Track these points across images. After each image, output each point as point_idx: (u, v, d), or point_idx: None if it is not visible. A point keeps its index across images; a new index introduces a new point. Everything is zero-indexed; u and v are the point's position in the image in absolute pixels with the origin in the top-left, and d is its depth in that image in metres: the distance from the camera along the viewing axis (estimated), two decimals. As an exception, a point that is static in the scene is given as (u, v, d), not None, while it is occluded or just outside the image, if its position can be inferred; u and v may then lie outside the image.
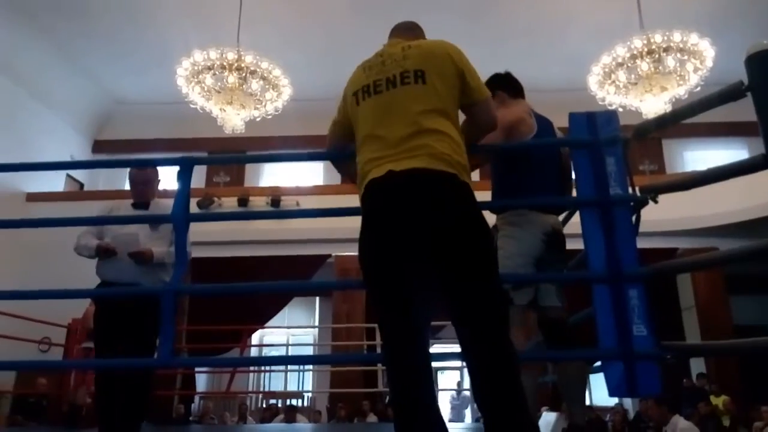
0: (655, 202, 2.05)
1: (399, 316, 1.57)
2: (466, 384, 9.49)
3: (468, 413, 9.14)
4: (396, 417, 1.52)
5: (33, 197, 9.56)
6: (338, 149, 2.03)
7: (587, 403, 10.28)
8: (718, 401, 8.01)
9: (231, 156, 9.35)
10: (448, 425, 1.58)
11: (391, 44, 1.87)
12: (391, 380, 1.58)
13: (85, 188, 11.38)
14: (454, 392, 10.48)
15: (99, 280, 2.89)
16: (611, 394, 2.01)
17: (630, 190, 2.06)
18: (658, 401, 5.63)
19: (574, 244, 2.37)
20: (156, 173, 3.15)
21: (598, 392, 11.33)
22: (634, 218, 2.07)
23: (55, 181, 10.33)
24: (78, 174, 11.35)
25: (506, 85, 2.50)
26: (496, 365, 1.47)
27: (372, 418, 7.84)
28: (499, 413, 1.44)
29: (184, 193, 2.22)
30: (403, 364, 1.55)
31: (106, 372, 2.80)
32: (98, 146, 12.01)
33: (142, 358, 2.70)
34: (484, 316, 1.52)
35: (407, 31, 1.95)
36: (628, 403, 10.20)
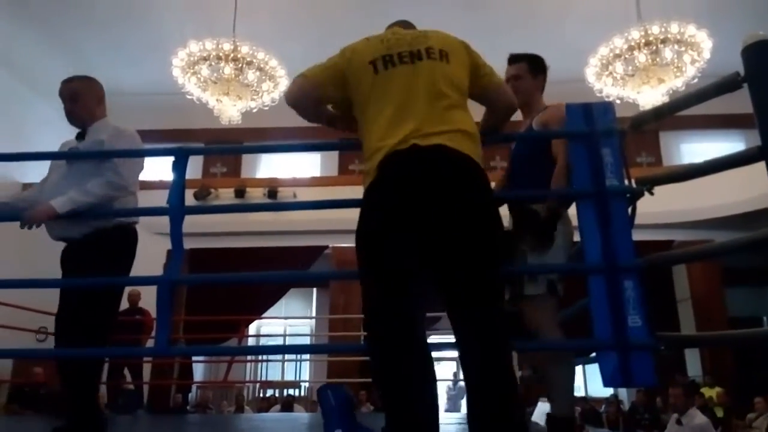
0: (651, 193, 2.05)
1: (400, 298, 1.48)
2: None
3: (464, 403, 9.21)
4: (394, 411, 1.44)
5: (29, 187, 9.53)
6: (316, 93, 1.80)
7: (582, 394, 10.34)
8: (712, 393, 8.07)
9: (226, 146, 9.33)
10: (444, 415, 1.55)
11: (398, 29, 1.87)
12: (385, 372, 1.47)
13: (81, 179, 11.35)
14: (450, 383, 10.52)
15: None
16: (606, 384, 2.02)
17: (626, 181, 2.07)
18: (685, 390, 5.69)
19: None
20: (88, 85, 2.55)
21: (593, 383, 11.41)
22: (630, 210, 2.08)
23: (50, 172, 10.30)
24: (74, 165, 11.29)
25: (545, 78, 2.54)
26: (490, 357, 1.43)
27: (368, 406, 7.88)
28: (491, 405, 1.41)
29: (179, 184, 2.21)
30: (403, 354, 1.45)
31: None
32: (94, 137, 11.95)
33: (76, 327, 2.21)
34: (484, 304, 1.49)
35: (407, 26, 1.97)
36: (623, 395, 10.27)
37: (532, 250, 2.17)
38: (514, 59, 2.47)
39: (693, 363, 9.88)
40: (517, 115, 2.27)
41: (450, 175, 1.53)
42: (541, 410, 3.53)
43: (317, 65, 1.81)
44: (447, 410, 9.72)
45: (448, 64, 1.70)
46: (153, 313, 2.77)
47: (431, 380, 1.49)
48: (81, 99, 2.49)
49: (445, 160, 1.55)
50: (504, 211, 1.94)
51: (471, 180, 1.56)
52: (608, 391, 8.70)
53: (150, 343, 5.93)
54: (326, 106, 1.94)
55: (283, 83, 8.66)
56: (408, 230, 1.50)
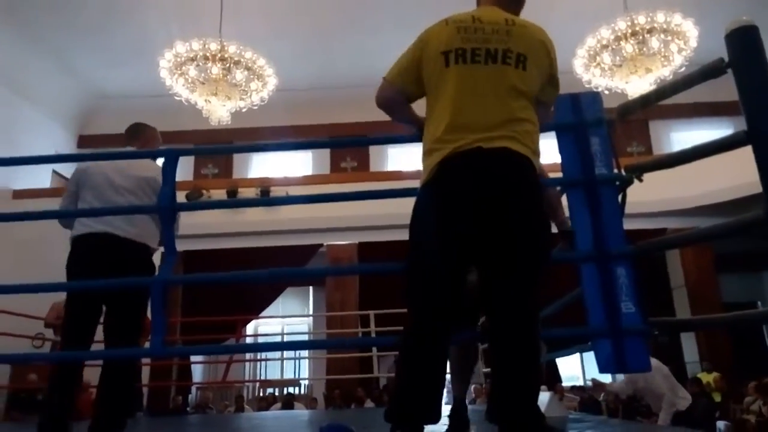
0: (640, 180, 2.06)
1: (441, 295, 1.55)
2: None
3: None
4: (402, 397, 1.51)
5: (20, 194, 9.47)
6: (399, 97, 1.78)
7: (581, 383, 10.40)
8: (709, 378, 8.13)
9: (216, 147, 9.30)
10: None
11: (489, 11, 1.74)
12: (411, 360, 1.54)
13: (73, 184, 11.29)
14: (448, 375, 10.57)
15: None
16: (601, 370, 2.04)
17: (615, 169, 2.08)
18: None
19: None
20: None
21: (592, 372, 11.47)
22: (620, 198, 2.09)
23: (41, 178, 10.23)
24: (64, 170, 11.23)
25: None
26: (523, 347, 1.49)
27: (368, 403, 7.90)
28: (517, 397, 1.47)
29: (169, 185, 2.21)
30: (433, 345, 1.53)
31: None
32: (83, 141, 11.89)
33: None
34: (525, 299, 1.53)
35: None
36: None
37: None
38: None
39: (690, 349, 9.95)
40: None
41: (510, 180, 1.55)
42: (540, 400, 3.54)
43: (396, 65, 1.77)
44: (446, 403, 9.73)
45: (524, 71, 1.64)
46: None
47: (443, 374, 1.58)
48: None
49: (508, 163, 1.56)
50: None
51: (527, 187, 1.58)
52: (608, 379, 8.74)
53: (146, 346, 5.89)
54: (410, 106, 1.87)
55: (272, 82, 8.63)
56: (462, 231, 1.53)
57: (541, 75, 1.70)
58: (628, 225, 2.07)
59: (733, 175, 7.78)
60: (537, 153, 1.63)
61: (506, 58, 1.62)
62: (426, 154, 1.65)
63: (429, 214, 1.59)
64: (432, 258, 1.55)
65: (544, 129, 2.30)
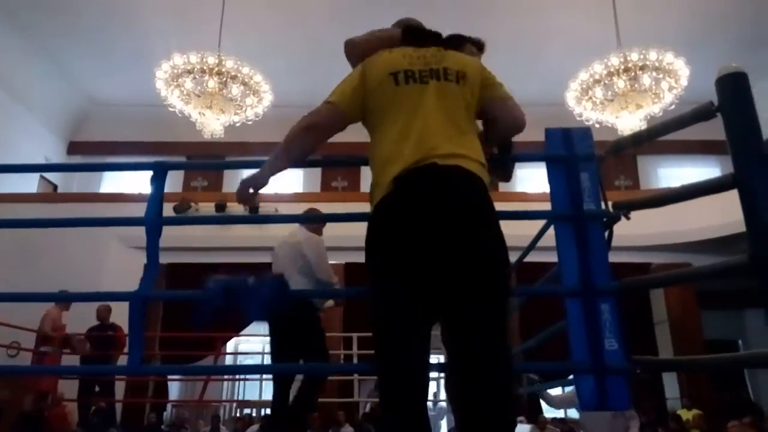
0: (627, 218, 2.07)
1: (417, 317, 1.49)
2: (443, 395, 9.49)
3: (443, 424, 9.13)
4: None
5: (5, 198, 9.35)
6: (340, 123, 1.76)
7: (563, 415, 10.35)
8: (688, 415, 8.11)
9: (206, 162, 9.31)
10: None
11: (416, 49, 1.80)
12: (393, 392, 1.46)
13: (59, 190, 11.17)
14: (430, 403, 10.45)
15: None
16: (583, 407, 2.02)
17: (603, 205, 2.09)
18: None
19: (549, 258, 2.39)
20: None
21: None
22: (607, 233, 2.10)
23: (28, 182, 10.11)
24: (52, 175, 11.13)
25: None
26: (497, 378, 1.44)
27: (347, 428, 7.77)
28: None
29: (156, 198, 2.18)
30: (414, 376, 1.47)
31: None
32: (73, 147, 11.81)
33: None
34: (497, 330, 1.49)
35: (420, 38, 1.89)
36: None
37: None
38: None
39: (671, 385, 9.94)
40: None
41: (468, 198, 1.54)
42: (519, 431, 3.52)
43: (339, 91, 1.77)
44: None
45: (465, 86, 1.72)
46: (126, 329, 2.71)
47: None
48: None
49: (463, 181, 1.56)
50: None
51: (486, 206, 1.57)
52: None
53: (123, 359, 5.77)
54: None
55: (267, 98, 8.66)
56: (425, 253, 1.48)
57: (475, 91, 1.75)
58: (613, 258, 2.07)
59: (719, 213, 7.86)
60: (485, 164, 1.65)
61: (447, 75, 1.71)
62: (378, 171, 1.64)
63: (390, 236, 1.53)
64: (406, 310, 1.48)
65: (539, 159, 2.30)
